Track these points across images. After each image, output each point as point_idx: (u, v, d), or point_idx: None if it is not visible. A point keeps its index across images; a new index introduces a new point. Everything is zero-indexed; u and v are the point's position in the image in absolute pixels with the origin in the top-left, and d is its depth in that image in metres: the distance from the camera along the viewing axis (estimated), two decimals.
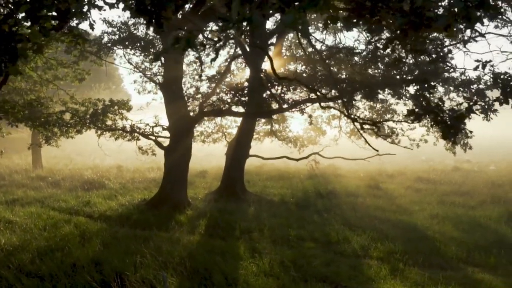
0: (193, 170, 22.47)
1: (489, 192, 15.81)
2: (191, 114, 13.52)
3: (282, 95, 11.31)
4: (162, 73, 13.59)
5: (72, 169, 21.30)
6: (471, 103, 3.42)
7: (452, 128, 3.09)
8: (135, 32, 14.65)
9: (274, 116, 21.02)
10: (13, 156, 27.76)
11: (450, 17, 2.43)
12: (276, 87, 11.71)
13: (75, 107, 15.08)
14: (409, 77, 8.78)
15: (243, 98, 11.57)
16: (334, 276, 7.14)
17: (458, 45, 17.27)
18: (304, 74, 10.86)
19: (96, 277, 6.60)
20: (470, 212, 12.72)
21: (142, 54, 14.36)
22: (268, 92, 12.83)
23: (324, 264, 7.76)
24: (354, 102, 10.80)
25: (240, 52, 16.01)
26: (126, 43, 13.98)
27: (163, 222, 11.15)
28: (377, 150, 11.24)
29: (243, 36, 16.11)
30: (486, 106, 8.46)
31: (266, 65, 14.85)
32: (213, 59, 3.95)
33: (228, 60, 20.15)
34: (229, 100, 12.16)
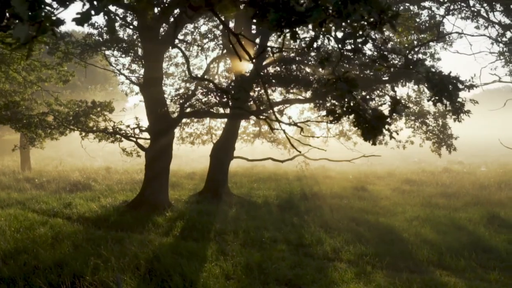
0: (182, 172, 22.52)
1: (475, 194, 15.70)
2: (173, 115, 13.49)
3: (262, 96, 11.26)
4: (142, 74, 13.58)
5: (60, 171, 21.30)
6: (394, 103, 3.35)
7: (374, 129, 3.02)
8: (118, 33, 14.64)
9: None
10: (5, 158, 27.81)
11: (322, 12, 2.36)
12: (255, 88, 11.68)
13: (59, 108, 15.09)
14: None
15: (223, 100, 11.52)
16: (297, 279, 7.08)
17: (445, 45, 17.26)
18: (283, 75, 10.81)
19: (54, 279, 6.57)
20: (452, 214, 12.62)
21: (125, 56, 14.35)
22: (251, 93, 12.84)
23: (290, 266, 7.69)
24: (326, 103, 10.73)
25: (225, 52, 15.99)
26: (109, 44, 13.97)
27: (140, 223, 11.11)
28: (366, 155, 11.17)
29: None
30: (456, 107, 8.38)
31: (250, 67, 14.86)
32: None
33: (216, 61, 20.21)
34: (208, 101, 12.12)
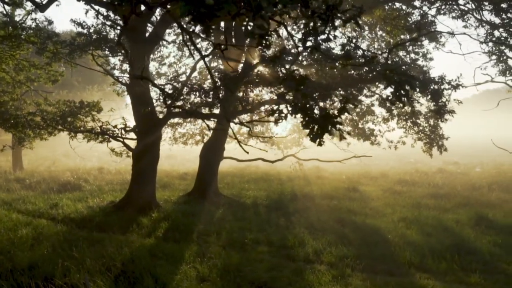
0: (175, 172, 22.47)
1: (465, 195, 15.56)
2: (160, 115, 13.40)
3: (246, 96, 11.18)
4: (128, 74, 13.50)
5: (52, 171, 21.24)
6: (344, 102, 3.24)
7: (322, 128, 2.91)
8: (106, 33, 14.58)
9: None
10: (0, 158, 27.78)
11: (233, 5, 2.25)
12: (241, 88, 11.57)
13: (48, 109, 15.03)
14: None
15: (208, 99, 11.43)
16: (273, 282, 6.97)
17: (437, 45, 17.14)
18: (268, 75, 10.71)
19: (25, 281, 6.48)
20: (441, 215, 12.50)
21: (113, 55, 14.27)
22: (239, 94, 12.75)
23: (268, 269, 7.58)
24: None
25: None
26: (97, 44, 13.89)
27: (124, 224, 11.01)
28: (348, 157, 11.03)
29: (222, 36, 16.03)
30: (440, 107, 8.25)
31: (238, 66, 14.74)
32: None
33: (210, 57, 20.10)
34: (195, 101, 12.03)
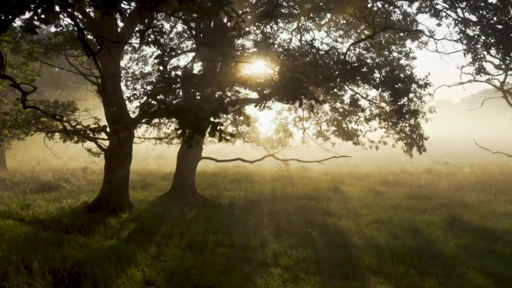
0: (160, 172, 22.36)
1: (446, 195, 15.33)
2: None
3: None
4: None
5: (36, 171, 21.16)
6: (219, 101, 3.06)
7: (193, 130, 2.74)
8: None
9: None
10: None
11: None
12: None
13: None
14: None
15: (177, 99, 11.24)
16: (219, 286, 6.80)
17: (420, 45, 16.94)
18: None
19: None
20: (416, 216, 12.28)
21: (84, 54, 14.12)
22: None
23: (220, 272, 7.41)
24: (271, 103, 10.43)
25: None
26: (70, 44, 13.76)
27: (92, 226, 10.88)
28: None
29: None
30: (400, 107, 8.03)
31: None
32: None
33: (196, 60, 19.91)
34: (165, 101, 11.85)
